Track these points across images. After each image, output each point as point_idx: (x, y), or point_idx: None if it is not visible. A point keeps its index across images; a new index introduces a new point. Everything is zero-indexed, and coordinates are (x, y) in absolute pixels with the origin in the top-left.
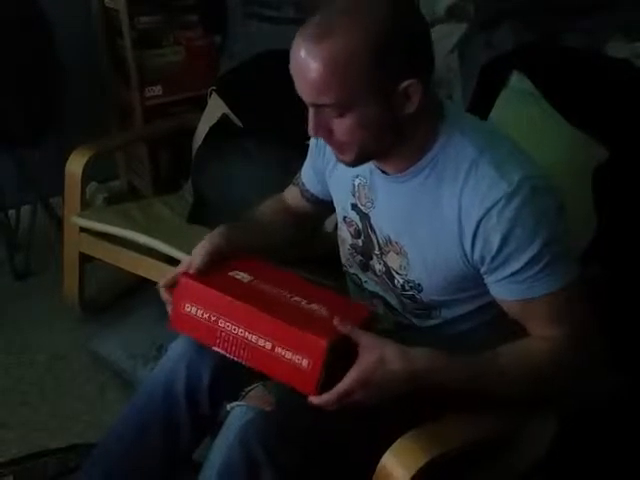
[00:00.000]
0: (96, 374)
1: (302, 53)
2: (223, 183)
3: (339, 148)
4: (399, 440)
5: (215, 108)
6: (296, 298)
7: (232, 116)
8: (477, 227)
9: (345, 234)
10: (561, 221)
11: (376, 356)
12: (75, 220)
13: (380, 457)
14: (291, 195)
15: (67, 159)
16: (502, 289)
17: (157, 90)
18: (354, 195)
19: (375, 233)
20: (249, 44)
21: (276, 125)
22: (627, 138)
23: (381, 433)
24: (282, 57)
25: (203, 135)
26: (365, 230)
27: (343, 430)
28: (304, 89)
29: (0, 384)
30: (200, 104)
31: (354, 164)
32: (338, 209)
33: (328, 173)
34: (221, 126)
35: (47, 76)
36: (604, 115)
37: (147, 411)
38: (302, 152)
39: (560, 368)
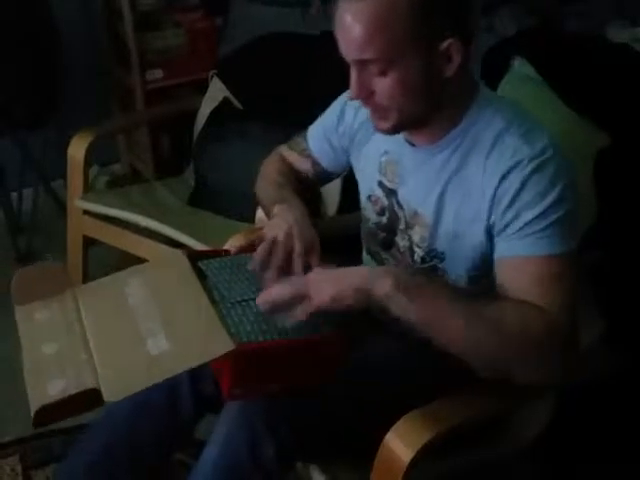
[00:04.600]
0: None
1: (346, 9)
2: (224, 166)
3: (379, 113)
4: (402, 419)
5: (216, 91)
6: None
7: (233, 99)
8: (498, 186)
9: (369, 212)
10: (572, 192)
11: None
12: (78, 203)
13: (383, 436)
14: (294, 160)
15: (68, 142)
16: (504, 246)
17: (158, 73)
18: (380, 172)
19: (402, 208)
20: (250, 26)
21: (277, 108)
22: (628, 123)
23: (384, 412)
24: (283, 40)
25: (204, 119)
26: (390, 207)
27: (346, 408)
28: (349, 45)
29: (5, 365)
30: (201, 87)
31: (392, 131)
32: (363, 188)
33: (355, 152)
34: (222, 109)
35: (48, 58)
36: (605, 100)
37: (149, 389)
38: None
39: (523, 334)
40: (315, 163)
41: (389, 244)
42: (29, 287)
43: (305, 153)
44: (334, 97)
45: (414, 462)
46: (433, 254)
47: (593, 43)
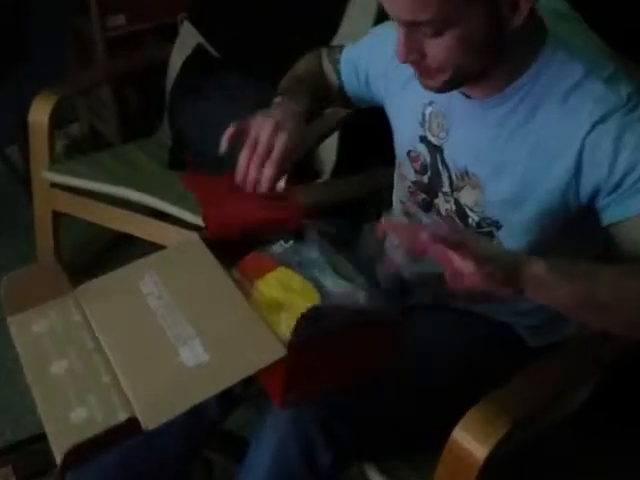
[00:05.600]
0: None
1: None
2: (203, 121)
3: (429, 74)
4: (470, 411)
5: (188, 38)
6: None
7: (208, 46)
8: (583, 144)
9: (407, 170)
10: None
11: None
12: (46, 175)
13: (444, 432)
14: (326, 67)
15: (23, 105)
16: (619, 209)
17: (120, 19)
18: (423, 126)
19: (447, 168)
20: None
21: (257, 53)
22: None
23: (448, 402)
24: None
25: (177, 69)
26: (434, 165)
27: (407, 402)
28: (401, 5)
29: None
30: (171, 34)
31: (443, 90)
32: (400, 142)
33: (388, 100)
34: (196, 58)
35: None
36: None
37: None
38: None
39: None
40: (339, 80)
41: (429, 206)
42: (22, 294)
43: (335, 67)
44: (320, 39)
45: (489, 460)
46: (488, 221)
47: None
